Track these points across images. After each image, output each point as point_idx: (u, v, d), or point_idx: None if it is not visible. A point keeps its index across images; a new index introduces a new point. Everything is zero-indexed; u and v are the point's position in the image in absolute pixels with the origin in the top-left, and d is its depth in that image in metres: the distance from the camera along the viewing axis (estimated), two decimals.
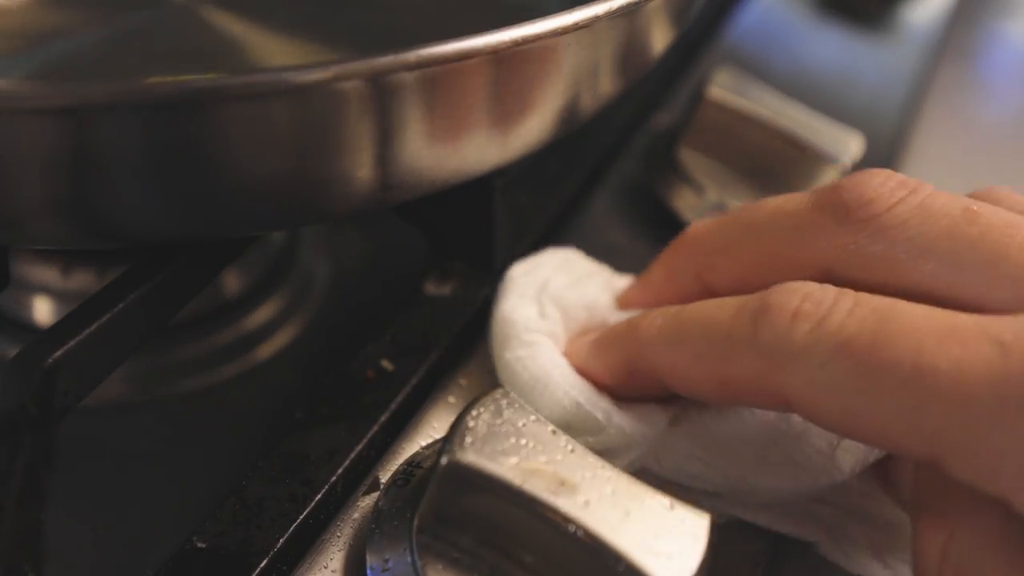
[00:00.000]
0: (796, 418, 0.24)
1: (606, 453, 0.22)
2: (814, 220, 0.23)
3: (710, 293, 0.24)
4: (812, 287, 0.20)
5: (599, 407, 0.23)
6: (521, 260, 0.28)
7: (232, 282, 0.33)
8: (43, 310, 0.31)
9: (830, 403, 0.20)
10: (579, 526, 0.19)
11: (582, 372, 0.24)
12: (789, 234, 0.23)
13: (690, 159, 0.36)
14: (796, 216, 0.23)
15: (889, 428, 0.19)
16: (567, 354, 0.25)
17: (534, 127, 0.23)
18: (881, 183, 0.22)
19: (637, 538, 0.19)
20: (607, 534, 0.19)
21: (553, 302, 0.26)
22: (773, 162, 0.35)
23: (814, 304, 0.20)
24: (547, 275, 0.27)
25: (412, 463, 0.24)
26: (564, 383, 0.24)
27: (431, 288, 0.30)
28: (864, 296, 0.20)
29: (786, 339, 0.20)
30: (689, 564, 0.18)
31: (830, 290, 0.20)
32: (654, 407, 0.24)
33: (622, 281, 0.28)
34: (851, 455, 0.23)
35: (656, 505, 0.19)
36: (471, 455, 0.19)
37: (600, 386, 0.24)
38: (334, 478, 0.24)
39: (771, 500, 0.24)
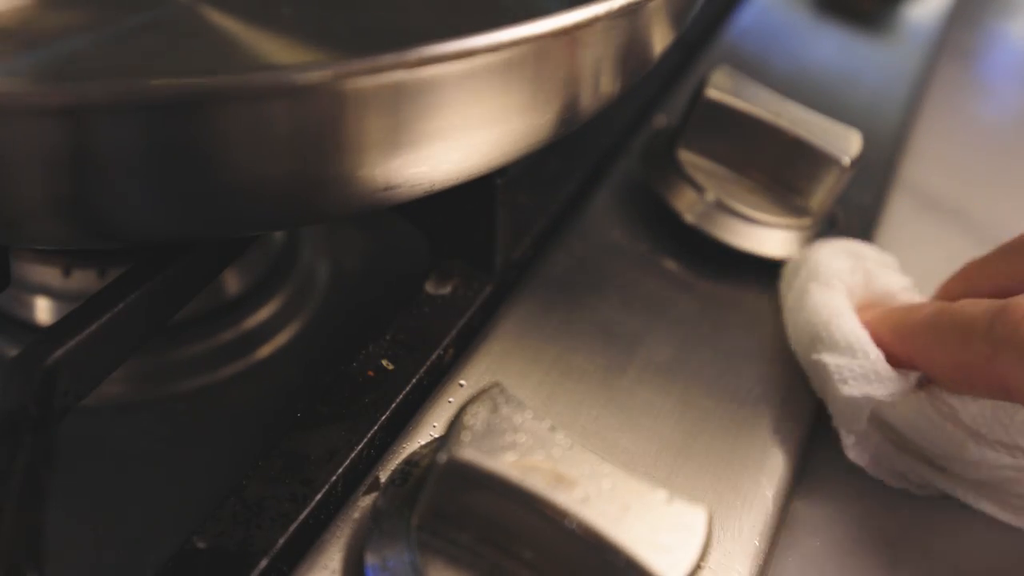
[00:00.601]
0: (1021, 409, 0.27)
1: (862, 379, 0.27)
2: None
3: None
4: None
5: (870, 348, 0.28)
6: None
7: (232, 282, 0.33)
8: (43, 310, 0.31)
9: None
10: (578, 521, 0.19)
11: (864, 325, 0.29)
12: None
13: (690, 159, 0.36)
14: None
15: None
16: (856, 310, 0.30)
17: (534, 127, 0.23)
18: None
19: (636, 532, 0.19)
20: (606, 528, 0.19)
21: (864, 269, 0.32)
22: (773, 162, 0.35)
23: None
24: (866, 252, 0.33)
25: (410, 462, 0.24)
26: (850, 321, 0.29)
27: (431, 288, 0.30)
28: None
29: (1013, 334, 0.23)
30: (688, 557, 0.19)
31: None
32: (908, 370, 0.28)
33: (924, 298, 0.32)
34: None
35: (654, 499, 0.19)
36: (469, 452, 0.19)
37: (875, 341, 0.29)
38: (334, 478, 0.24)
39: (986, 476, 0.28)
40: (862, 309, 0.31)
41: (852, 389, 0.27)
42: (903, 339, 0.28)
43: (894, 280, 0.32)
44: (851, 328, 0.29)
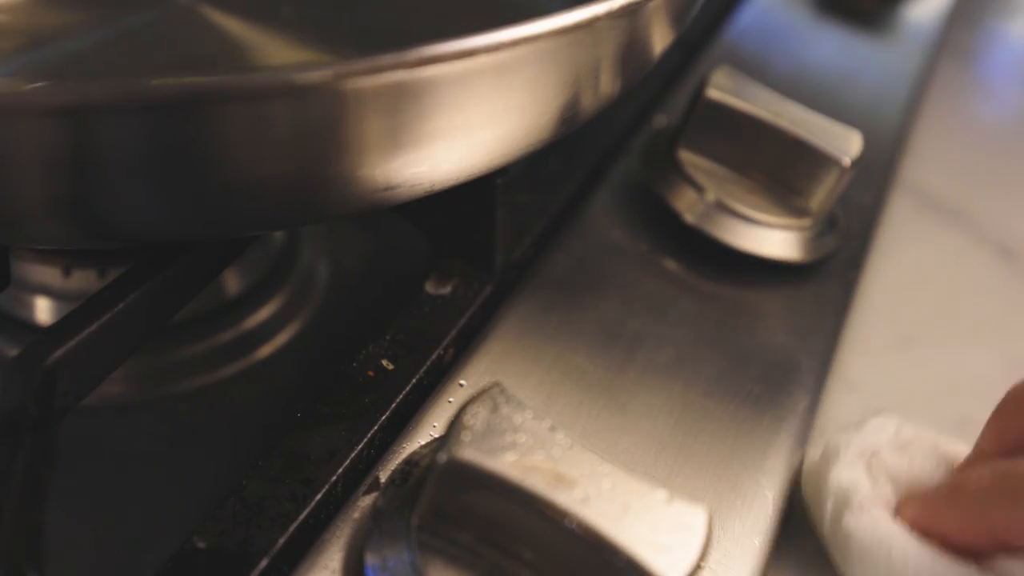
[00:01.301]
0: None
1: None
2: None
3: None
4: None
5: (934, 557, 0.25)
6: (846, 428, 0.29)
7: (232, 282, 0.33)
8: (43, 310, 0.31)
9: None
10: (578, 521, 0.19)
11: (919, 534, 0.25)
12: None
13: (690, 159, 0.36)
14: None
15: None
16: (901, 517, 0.26)
17: (534, 127, 0.23)
18: None
19: (636, 532, 0.19)
20: (606, 528, 0.19)
21: (885, 473, 0.27)
22: (773, 162, 0.35)
23: None
24: (874, 444, 0.28)
25: (410, 462, 0.24)
26: (907, 547, 0.25)
27: (431, 288, 0.30)
28: None
29: None
30: (688, 557, 0.19)
31: None
32: (1006, 560, 0.25)
33: (950, 444, 0.29)
34: None
35: (654, 499, 0.19)
36: (469, 452, 0.19)
37: (939, 545, 0.25)
38: (334, 478, 0.24)
39: None
40: (903, 508, 0.27)
41: None
42: (966, 520, 0.25)
43: (918, 466, 0.28)
44: (911, 556, 0.25)
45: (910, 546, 0.25)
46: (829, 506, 0.27)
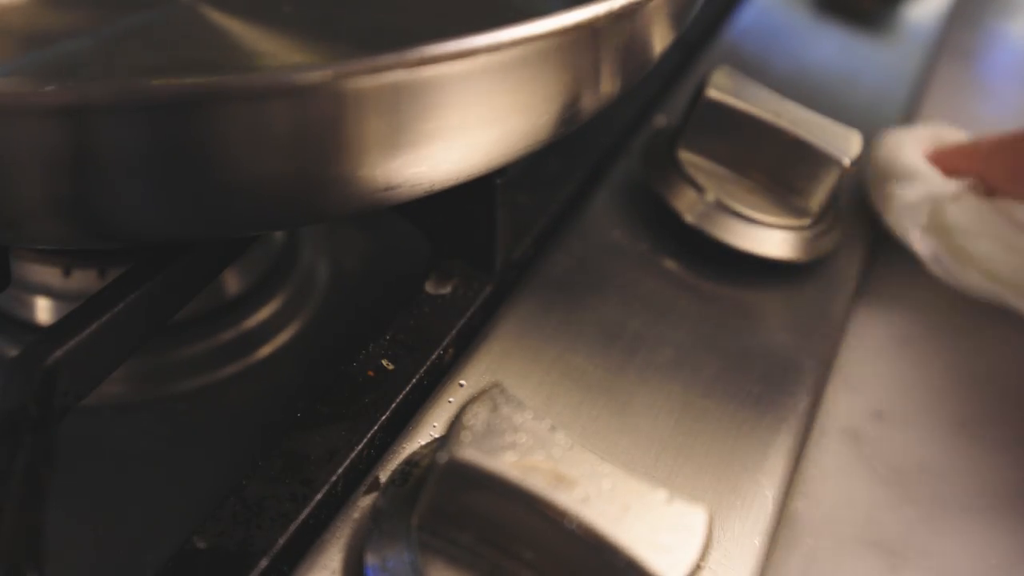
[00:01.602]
0: None
1: (920, 188, 0.36)
2: None
3: None
4: None
5: (927, 169, 0.37)
6: None
7: (232, 282, 0.33)
8: (43, 310, 0.31)
9: None
10: (578, 521, 0.19)
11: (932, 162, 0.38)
12: None
13: (690, 159, 0.36)
14: None
15: None
16: (927, 157, 0.38)
17: (534, 127, 0.23)
18: None
19: (636, 532, 0.19)
20: (606, 528, 0.19)
21: (932, 131, 0.40)
22: (773, 162, 0.35)
23: None
24: (936, 126, 0.40)
25: (410, 462, 0.24)
26: (911, 154, 0.37)
27: (431, 288, 0.30)
28: None
29: None
30: (688, 557, 0.19)
31: None
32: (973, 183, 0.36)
33: None
34: None
35: (654, 499, 0.19)
36: (469, 452, 0.19)
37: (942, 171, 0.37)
38: (334, 478, 0.24)
39: None
40: (930, 152, 0.38)
41: (911, 196, 0.35)
42: (966, 157, 0.36)
43: (962, 138, 0.39)
44: (910, 158, 0.37)
45: (916, 160, 0.37)
46: (880, 144, 0.39)
